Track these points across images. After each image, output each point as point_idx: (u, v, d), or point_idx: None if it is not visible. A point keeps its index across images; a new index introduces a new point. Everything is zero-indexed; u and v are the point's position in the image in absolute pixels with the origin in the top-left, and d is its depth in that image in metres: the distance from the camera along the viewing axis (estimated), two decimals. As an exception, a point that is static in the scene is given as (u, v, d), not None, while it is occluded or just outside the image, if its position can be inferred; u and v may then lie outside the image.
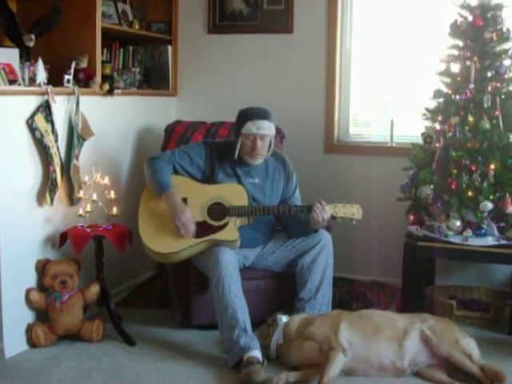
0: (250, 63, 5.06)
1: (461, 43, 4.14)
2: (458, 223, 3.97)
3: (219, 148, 3.81)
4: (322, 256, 3.71)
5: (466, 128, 4.01)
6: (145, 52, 5.03)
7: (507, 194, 3.91)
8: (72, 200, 3.92)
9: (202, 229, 3.63)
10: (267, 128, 3.66)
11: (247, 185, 3.76)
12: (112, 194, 3.91)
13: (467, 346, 3.26)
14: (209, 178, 3.75)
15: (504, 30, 4.07)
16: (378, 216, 4.69)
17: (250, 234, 3.76)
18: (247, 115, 3.67)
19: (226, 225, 3.65)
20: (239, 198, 3.68)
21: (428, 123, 4.25)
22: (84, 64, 4.04)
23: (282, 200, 3.88)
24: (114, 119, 4.43)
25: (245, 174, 3.78)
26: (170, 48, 5.08)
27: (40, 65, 3.61)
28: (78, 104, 3.87)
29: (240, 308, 3.44)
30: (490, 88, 4.02)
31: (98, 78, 4.13)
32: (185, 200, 3.66)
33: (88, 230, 3.77)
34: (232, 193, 3.69)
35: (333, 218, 3.65)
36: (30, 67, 3.60)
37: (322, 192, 4.41)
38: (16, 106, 3.49)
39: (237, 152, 3.71)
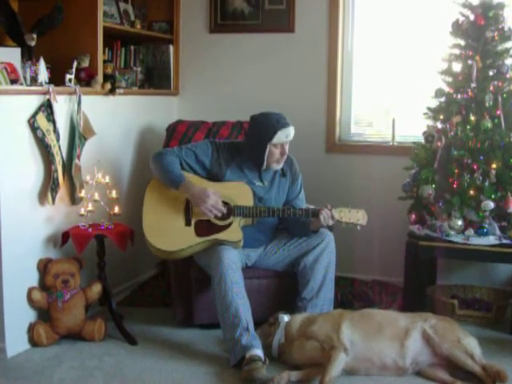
0: (251, 63, 5.06)
1: (462, 42, 4.13)
2: (460, 222, 3.97)
3: (227, 148, 3.80)
4: (324, 255, 3.71)
5: (468, 127, 4.01)
6: (146, 51, 5.04)
7: (509, 193, 3.90)
8: (74, 199, 3.92)
9: (206, 227, 3.63)
10: (292, 133, 3.70)
11: (256, 187, 3.76)
12: (113, 194, 3.91)
13: (469, 345, 3.26)
14: (214, 178, 3.75)
15: (506, 28, 4.08)
16: (380, 215, 4.68)
17: (253, 235, 3.76)
18: (276, 125, 3.63)
19: (230, 225, 3.65)
20: (245, 197, 3.68)
21: (430, 122, 4.25)
22: (86, 63, 4.04)
23: (286, 201, 3.88)
24: (116, 119, 4.44)
25: (254, 176, 3.78)
26: (171, 47, 5.08)
27: (41, 64, 3.61)
28: (79, 103, 3.87)
29: (242, 307, 3.44)
30: (491, 87, 4.01)
31: (100, 78, 4.13)
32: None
33: (90, 229, 3.78)
34: (238, 192, 3.69)
35: (338, 222, 3.65)
36: (31, 66, 3.60)
37: (324, 191, 4.42)
38: (18, 105, 3.49)
39: (265, 161, 3.71)
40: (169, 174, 3.63)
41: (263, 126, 3.66)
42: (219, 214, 3.60)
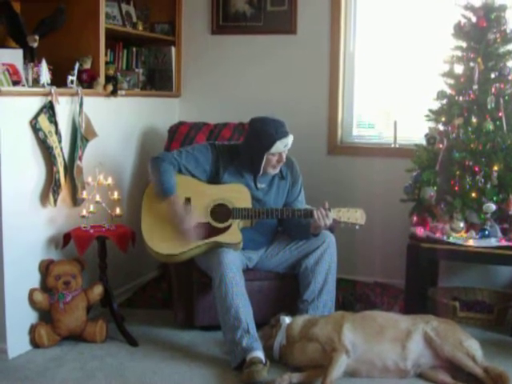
0: (253, 64, 5.06)
1: (464, 44, 4.13)
2: (462, 224, 3.96)
3: (226, 151, 3.80)
4: (325, 257, 3.71)
5: (470, 129, 4.00)
6: (148, 53, 5.04)
7: (510, 196, 3.90)
8: (75, 201, 3.92)
9: (205, 230, 3.63)
10: (291, 142, 3.69)
11: (255, 190, 3.76)
12: (115, 195, 3.92)
13: (470, 348, 3.25)
14: (213, 180, 3.75)
15: (508, 31, 4.07)
16: (381, 217, 4.68)
17: (253, 237, 3.76)
18: (274, 135, 3.60)
19: (229, 227, 3.64)
20: (243, 199, 3.68)
21: (431, 124, 4.24)
22: (87, 65, 4.04)
23: (285, 203, 3.88)
24: (118, 120, 4.44)
25: (252, 179, 3.78)
26: (173, 49, 5.08)
27: (44, 65, 3.61)
28: (81, 105, 3.87)
29: (243, 309, 3.44)
30: (493, 89, 4.01)
31: (102, 79, 4.13)
32: (188, 200, 3.66)
33: (91, 230, 3.78)
34: (236, 194, 3.69)
35: (336, 222, 3.65)
36: (33, 68, 3.61)
37: (326, 193, 4.41)
38: (20, 106, 3.49)
39: (262, 169, 3.71)
40: (159, 184, 3.61)
41: (261, 135, 3.63)
42: (186, 242, 3.57)
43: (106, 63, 4.25)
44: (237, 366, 3.37)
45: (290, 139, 3.67)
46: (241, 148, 3.81)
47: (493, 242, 3.89)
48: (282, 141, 3.62)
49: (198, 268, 3.78)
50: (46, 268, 3.69)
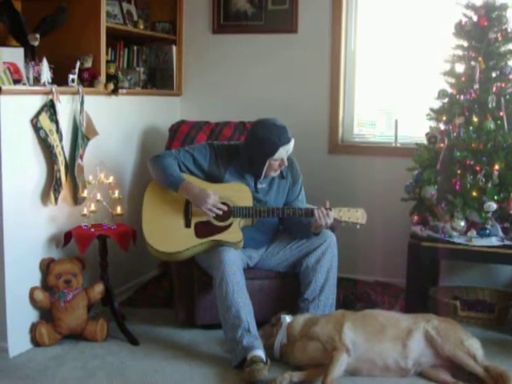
0: (254, 63, 5.06)
1: (465, 43, 4.13)
2: (462, 223, 3.97)
3: (225, 151, 3.79)
4: (326, 256, 3.71)
5: (471, 128, 4.00)
6: (149, 52, 5.04)
7: (511, 195, 3.90)
8: (76, 199, 3.92)
9: (206, 229, 3.63)
10: (292, 146, 3.68)
11: (255, 190, 3.76)
12: (116, 194, 3.92)
13: (471, 347, 3.25)
14: (213, 180, 3.75)
15: (509, 30, 4.07)
16: (382, 216, 4.68)
17: (254, 235, 3.76)
18: (277, 142, 3.59)
19: (229, 225, 3.64)
20: (244, 198, 3.68)
21: (432, 123, 4.24)
22: (89, 63, 4.05)
23: (286, 202, 3.88)
24: (119, 119, 4.44)
25: (252, 179, 3.77)
26: (174, 48, 5.08)
27: (45, 64, 3.61)
28: (82, 103, 3.87)
29: (243, 307, 3.44)
30: (494, 88, 4.01)
31: (103, 78, 4.13)
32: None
33: (92, 229, 3.78)
34: (237, 193, 3.69)
35: (337, 221, 3.65)
36: (34, 67, 3.62)
37: (326, 192, 4.41)
38: (21, 105, 3.49)
39: (263, 173, 3.70)
40: (168, 176, 3.62)
41: (264, 142, 3.62)
42: (220, 213, 3.60)
43: (107, 62, 4.25)
44: (237, 364, 3.37)
45: (292, 144, 3.67)
46: (241, 149, 3.81)
47: (494, 240, 3.89)
48: (284, 147, 3.62)
49: (199, 267, 3.78)
50: (46, 267, 3.69)
